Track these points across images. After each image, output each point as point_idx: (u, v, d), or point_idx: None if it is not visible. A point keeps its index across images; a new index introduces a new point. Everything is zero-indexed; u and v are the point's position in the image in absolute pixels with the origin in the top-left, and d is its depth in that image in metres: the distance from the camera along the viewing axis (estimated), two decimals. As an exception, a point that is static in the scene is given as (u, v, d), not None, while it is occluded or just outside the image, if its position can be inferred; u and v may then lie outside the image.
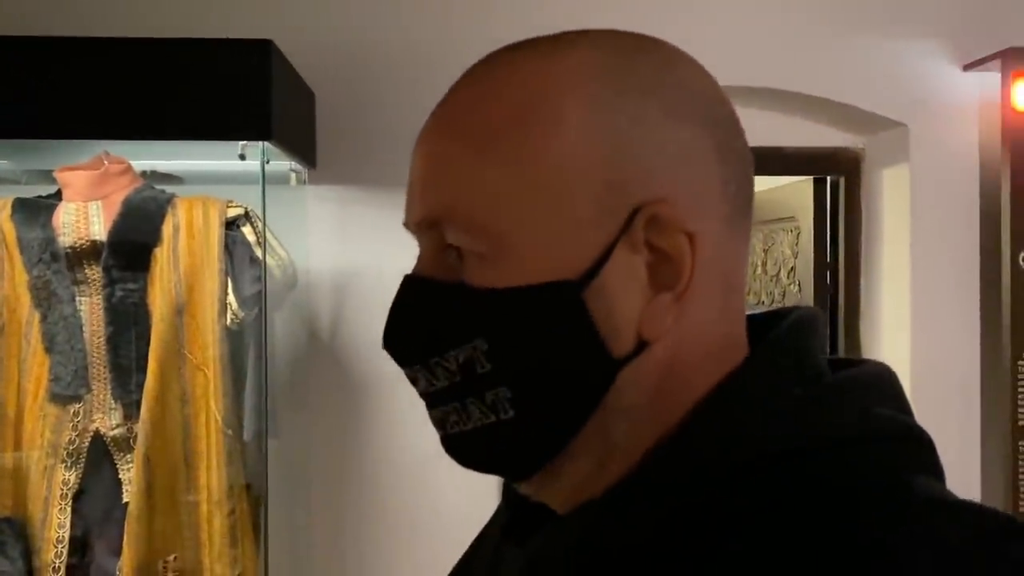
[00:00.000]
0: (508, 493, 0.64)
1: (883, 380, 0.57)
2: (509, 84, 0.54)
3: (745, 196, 0.56)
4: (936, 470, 0.54)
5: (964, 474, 2.56)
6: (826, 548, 0.46)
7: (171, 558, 2.11)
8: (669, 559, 0.50)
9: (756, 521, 0.48)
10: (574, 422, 0.53)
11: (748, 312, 0.59)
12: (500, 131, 0.52)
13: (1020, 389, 2.41)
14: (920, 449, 0.54)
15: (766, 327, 0.57)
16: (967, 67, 2.53)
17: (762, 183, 3.19)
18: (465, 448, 0.56)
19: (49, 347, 2.10)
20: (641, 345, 0.52)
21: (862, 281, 2.81)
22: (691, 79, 0.56)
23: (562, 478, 0.55)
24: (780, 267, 3.13)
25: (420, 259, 0.57)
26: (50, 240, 2.10)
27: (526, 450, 0.55)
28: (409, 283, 0.57)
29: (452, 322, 0.54)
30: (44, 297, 2.10)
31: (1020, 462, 2.41)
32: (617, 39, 0.56)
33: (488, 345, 0.53)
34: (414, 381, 0.57)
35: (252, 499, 2.21)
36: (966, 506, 0.49)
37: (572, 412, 0.53)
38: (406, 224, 0.58)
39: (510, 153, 0.52)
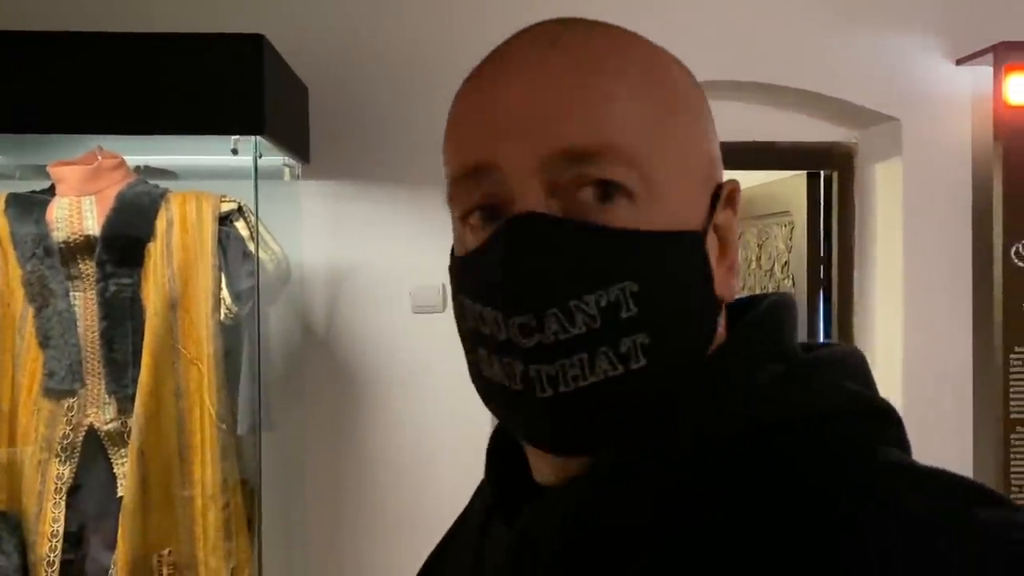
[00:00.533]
0: (493, 470, 0.64)
1: (852, 359, 0.59)
2: (637, 44, 0.57)
3: None
4: (904, 443, 0.56)
5: (957, 466, 2.54)
6: (800, 522, 0.48)
7: (166, 552, 2.11)
8: (655, 531, 0.51)
9: (736, 495, 0.50)
10: (689, 373, 0.54)
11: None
12: (649, 77, 0.55)
13: (1012, 382, 2.42)
14: (889, 424, 0.56)
15: (742, 312, 0.59)
16: (959, 61, 2.54)
17: (756, 178, 3.19)
18: (581, 406, 0.52)
19: (43, 342, 2.11)
20: (719, 305, 0.57)
21: (855, 275, 2.81)
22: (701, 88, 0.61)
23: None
24: (774, 261, 3.13)
25: (526, 198, 0.52)
26: (44, 235, 2.10)
27: (646, 404, 0.53)
28: (540, 221, 0.52)
29: (601, 262, 0.51)
30: (38, 292, 2.10)
31: (1012, 454, 2.42)
32: None
33: (639, 287, 0.51)
34: (532, 331, 0.51)
35: (247, 493, 2.22)
36: (935, 474, 0.51)
37: (693, 362, 0.54)
38: (488, 163, 0.53)
39: (662, 100, 0.55)
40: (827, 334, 2.89)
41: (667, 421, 0.53)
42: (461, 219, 0.57)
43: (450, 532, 0.71)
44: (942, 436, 2.57)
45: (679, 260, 0.54)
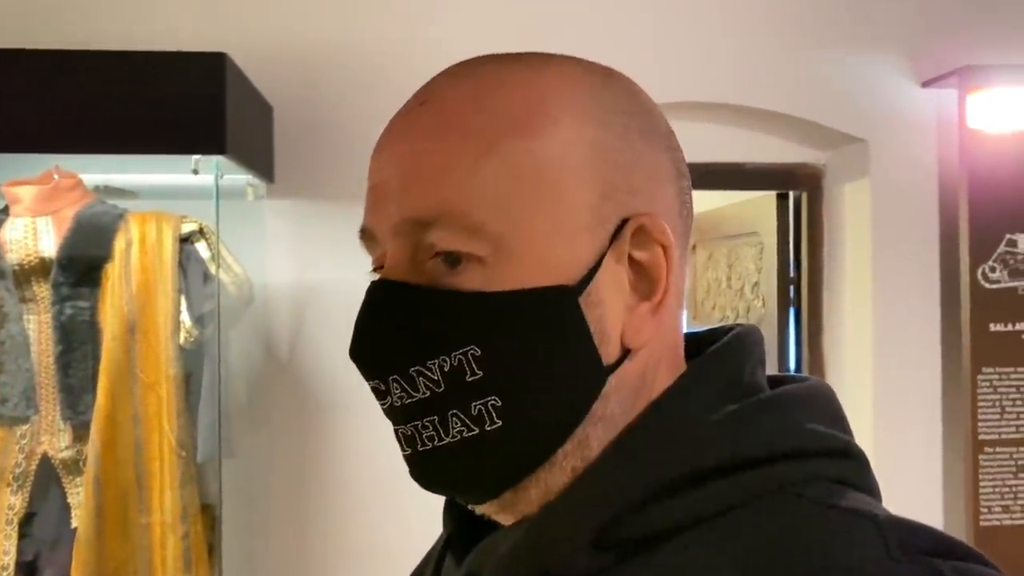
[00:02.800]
0: (451, 510, 0.62)
1: (819, 396, 0.57)
2: (504, 87, 0.53)
3: (688, 219, 0.59)
4: (869, 487, 0.54)
5: (926, 487, 2.57)
6: (743, 570, 0.46)
7: (123, 583, 2.05)
8: (592, 574, 0.50)
9: (679, 544, 0.49)
10: (562, 431, 0.52)
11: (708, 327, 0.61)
12: (500, 132, 0.51)
13: (980, 402, 2.43)
14: (853, 465, 0.54)
15: (706, 343, 0.58)
16: (925, 84, 2.56)
17: (725, 198, 3.20)
18: (438, 465, 0.53)
19: (-5, 367, 2.04)
20: (624, 354, 0.53)
21: (824, 295, 2.82)
22: (653, 106, 0.58)
23: (528, 493, 0.53)
24: (744, 282, 3.13)
25: (392, 264, 0.53)
26: (-4, 256, 2.04)
27: (507, 463, 0.52)
28: (386, 288, 0.53)
29: (442, 328, 0.51)
30: (-10, 315, 2.04)
31: (981, 474, 2.42)
32: (588, 62, 0.57)
33: (481, 351, 0.50)
34: (383, 394, 0.53)
35: (207, 522, 2.16)
36: (898, 524, 0.49)
37: (563, 421, 0.52)
38: (367, 228, 0.55)
39: (510, 154, 0.51)
40: (797, 355, 2.88)
41: (610, 464, 0.52)
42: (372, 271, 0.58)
43: (418, 569, 0.69)
44: (911, 457, 2.57)
45: (533, 319, 0.51)
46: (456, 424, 0.51)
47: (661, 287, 0.54)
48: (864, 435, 2.60)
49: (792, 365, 2.89)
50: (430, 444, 0.52)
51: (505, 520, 0.56)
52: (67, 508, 2.08)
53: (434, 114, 0.53)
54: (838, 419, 0.56)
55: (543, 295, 0.51)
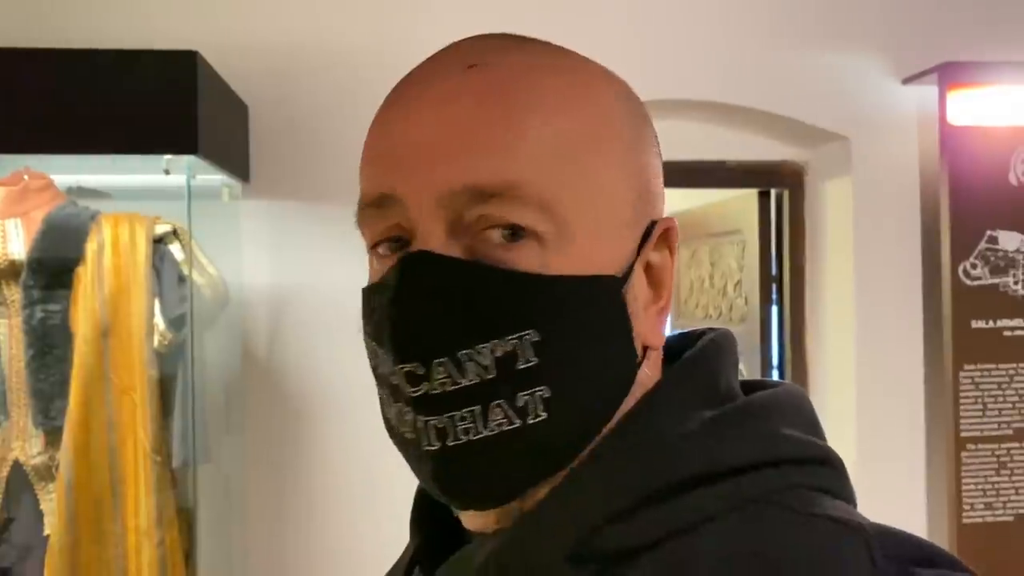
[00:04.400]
0: (418, 520, 0.60)
1: (794, 402, 0.55)
2: (559, 68, 0.52)
3: None
4: (846, 492, 0.53)
5: (909, 484, 2.57)
6: None
7: (97, 591, 2.01)
8: None
9: (658, 556, 0.47)
10: (597, 429, 0.50)
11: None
12: (567, 111, 0.50)
13: (962, 399, 2.42)
14: (830, 472, 0.53)
15: (680, 349, 0.56)
16: (906, 81, 2.55)
17: (707, 196, 3.19)
18: (467, 462, 0.48)
19: (-36, 372, 2.00)
20: (645, 352, 0.53)
21: (807, 293, 2.81)
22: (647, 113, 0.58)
23: (537, 494, 0.50)
24: (727, 280, 3.12)
25: (427, 235, 0.48)
26: (-35, 260, 2.00)
27: (540, 461, 0.49)
28: (433, 262, 0.48)
29: (500, 309, 0.47)
30: (-42, 319, 2.00)
31: (963, 472, 2.42)
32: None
33: (540, 337, 0.47)
34: (419, 380, 0.48)
35: (183, 528, 2.12)
36: (877, 531, 0.48)
37: (598, 418, 0.50)
38: (391, 194, 0.49)
39: (577, 137, 0.50)
40: (780, 353, 2.88)
41: (587, 474, 0.50)
42: (370, 248, 0.54)
43: None
44: (894, 455, 2.57)
45: (589, 308, 0.50)
46: (497, 416, 0.48)
47: (665, 291, 0.54)
48: (846, 433, 2.59)
49: (775, 363, 2.89)
50: (464, 438, 0.48)
51: (483, 525, 0.53)
52: (40, 515, 2.05)
53: (494, 80, 0.49)
54: (813, 425, 0.55)
55: (598, 283, 0.50)
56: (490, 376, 0.47)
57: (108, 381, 2.02)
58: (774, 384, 0.57)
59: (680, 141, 2.65)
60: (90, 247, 2.04)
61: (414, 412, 0.48)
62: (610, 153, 0.52)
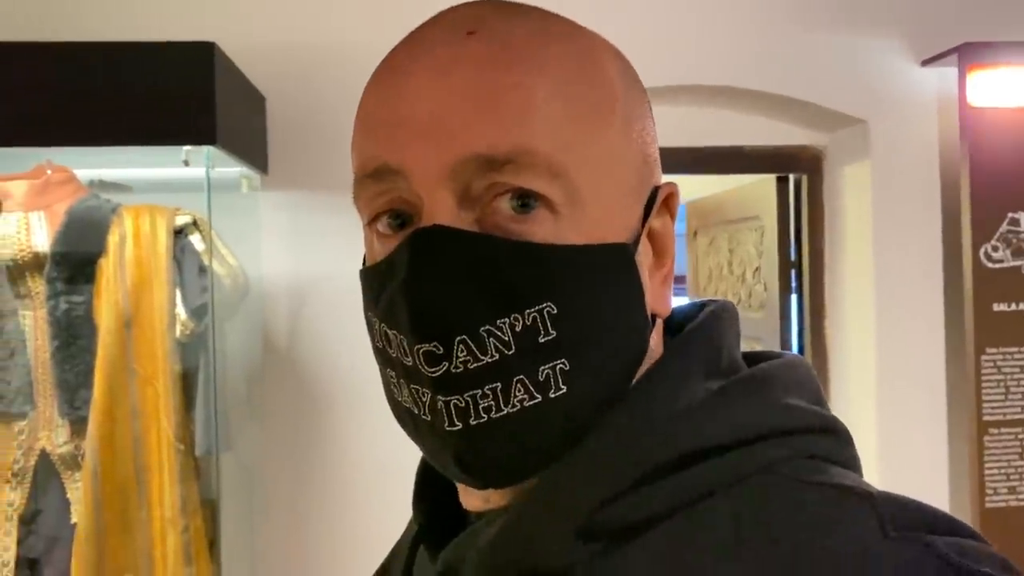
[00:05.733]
0: (421, 498, 0.60)
1: (797, 371, 0.54)
2: (561, 33, 0.51)
3: None
4: (852, 462, 0.53)
5: (931, 470, 2.55)
6: (735, 551, 0.45)
7: (125, 578, 2.04)
8: (573, 571, 0.47)
9: (666, 530, 0.47)
10: (617, 395, 0.50)
11: None
12: (573, 77, 0.49)
13: (984, 383, 2.40)
14: (835, 441, 0.52)
15: (682, 322, 0.56)
16: (925, 63, 2.53)
17: (724, 182, 3.17)
18: (488, 440, 0.47)
19: (-9, 364, 2.03)
20: (653, 320, 0.53)
21: (826, 279, 2.79)
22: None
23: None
24: (745, 266, 3.11)
25: (435, 208, 0.47)
26: (-10, 253, 2.03)
27: (560, 435, 0.48)
28: (447, 236, 0.46)
29: (518, 282, 0.46)
30: (-15, 312, 2.03)
31: (986, 456, 2.40)
32: None
33: (558, 309, 0.47)
34: (439, 359, 0.46)
35: (207, 516, 2.15)
36: (888, 499, 0.47)
37: (615, 389, 0.50)
38: (394, 165, 0.48)
39: (586, 103, 0.49)
40: (800, 339, 2.86)
41: (592, 448, 0.49)
42: (368, 224, 0.52)
43: (383, 565, 0.66)
44: (916, 439, 2.55)
45: (604, 277, 0.49)
46: (519, 392, 0.47)
47: (669, 258, 0.54)
48: (867, 418, 2.58)
49: (795, 349, 2.87)
50: (485, 416, 0.47)
51: (487, 502, 0.53)
52: (67, 504, 2.07)
53: (496, 46, 0.48)
54: (817, 394, 0.54)
55: (613, 251, 0.49)
56: (511, 352, 0.46)
57: (131, 371, 2.05)
58: (777, 355, 0.56)
59: (697, 127, 2.64)
60: (112, 239, 2.06)
61: (433, 392, 0.47)
62: (615, 119, 0.51)
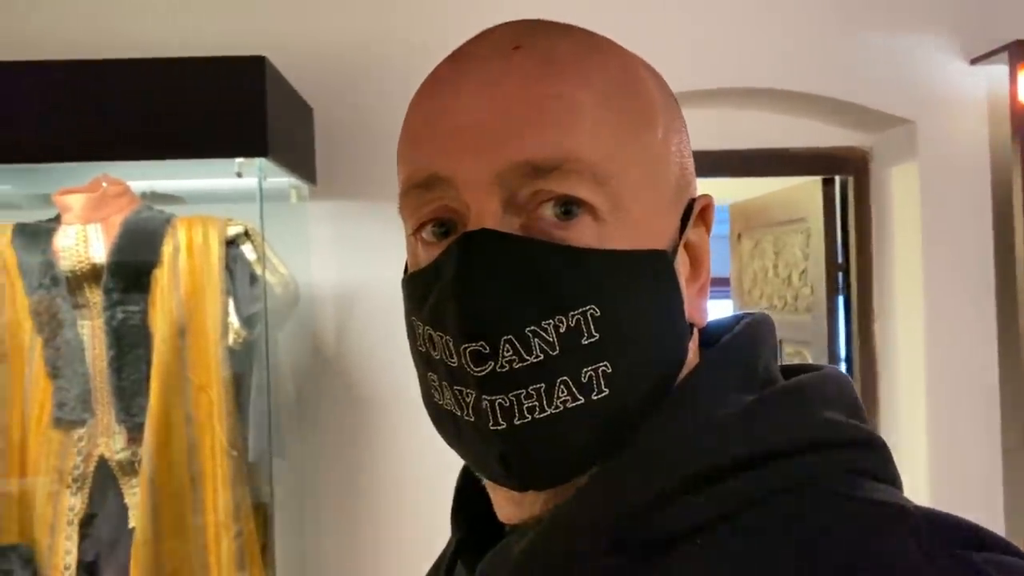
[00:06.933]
0: (460, 513, 0.61)
1: (834, 384, 0.54)
2: (603, 49, 0.53)
3: None
4: (890, 475, 0.52)
5: (984, 483, 2.50)
6: (771, 566, 0.44)
7: (179, 582, 2.08)
8: (615, 573, 0.48)
9: (700, 542, 0.47)
10: (657, 402, 0.50)
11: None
12: (618, 89, 0.51)
13: (1040, 388, 2.36)
14: (873, 454, 0.51)
15: (717, 334, 0.57)
16: (974, 61, 2.49)
17: (769, 185, 3.15)
18: (531, 440, 0.48)
19: (51, 372, 2.09)
20: (688, 330, 0.54)
21: (874, 282, 2.76)
22: None
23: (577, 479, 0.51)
24: (791, 269, 3.09)
25: (482, 214, 0.48)
26: (50, 264, 2.08)
27: (601, 438, 0.49)
28: (495, 239, 0.48)
29: (562, 285, 0.48)
30: (45, 322, 2.09)
31: (1042, 463, 2.35)
32: None
33: (601, 312, 0.48)
34: (484, 359, 0.47)
35: (259, 521, 2.19)
36: (926, 515, 0.47)
37: (656, 394, 0.51)
38: (443, 175, 0.49)
39: (630, 114, 0.51)
40: (847, 343, 2.83)
41: (626, 460, 0.49)
42: (413, 233, 0.53)
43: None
44: (968, 447, 2.51)
45: (645, 282, 0.50)
46: (562, 392, 0.48)
47: (704, 269, 0.55)
48: (917, 425, 2.54)
49: (842, 354, 2.84)
50: (529, 416, 0.48)
51: (525, 514, 0.53)
52: (125, 508, 2.12)
53: (541, 59, 0.50)
54: (854, 407, 0.54)
55: (654, 258, 0.50)
56: (554, 353, 0.47)
57: (186, 379, 2.09)
58: (816, 367, 0.56)
59: (742, 130, 2.63)
60: (166, 249, 2.11)
61: (478, 392, 0.48)
62: (654, 131, 0.53)
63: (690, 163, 0.56)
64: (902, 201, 2.64)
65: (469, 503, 0.60)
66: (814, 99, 2.55)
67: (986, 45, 2.46)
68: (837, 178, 2.81)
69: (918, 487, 2.52)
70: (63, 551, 2.08)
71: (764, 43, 2.51)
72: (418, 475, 2.42)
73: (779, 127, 2.66)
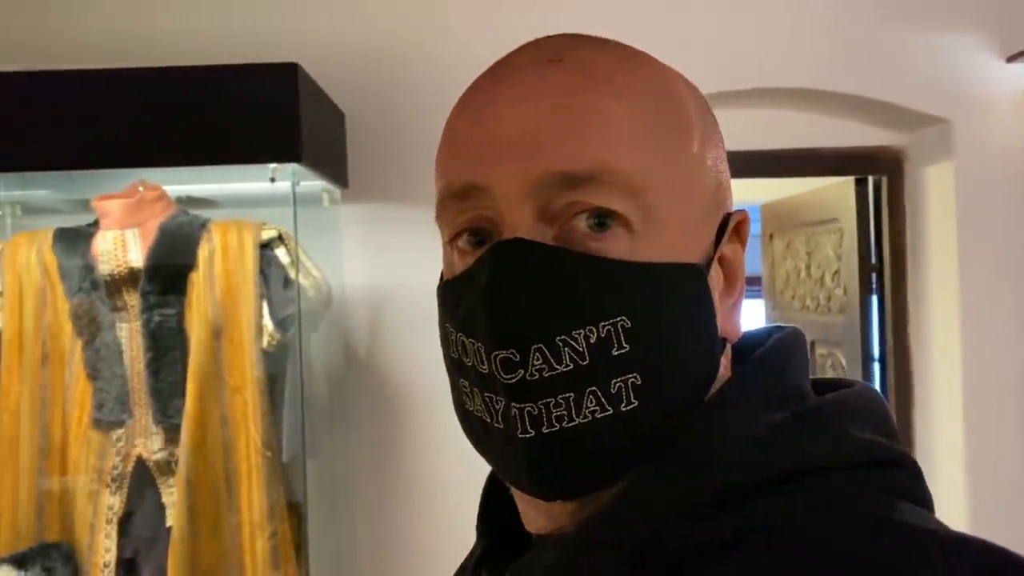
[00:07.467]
0: (483, 522, 0.61)
1: (866, 403, 0.54)
2: (642, 63, 0.53)
3: None
4: (922, 496, 0.51)
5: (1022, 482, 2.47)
6: None
7: (215, 581, 2.12)
8: None
9: (726, 556, 0.46)
10: (687, 414, 0.50)
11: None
12: (655, 103, 0.51)
13: (1079, 390, 2.32)
14: (903, 475, 0.51)
15: (748, 348, 0.56)
16: (1010, 59, 2.46)
17: (801, 185, 3.13)
18: (559, 449, 0.48)
19: (91, 374, 2.13)
20: (720, 345, 0.53)
21: (909, 283, 2.73)
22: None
23: (618, 486, 0.51)
24: (824, 270, 3.06)
25: (516, 223, 0.49)
26: (89, 268, 2.12)
27: (629, 450, 0.49)
28: (528, 249, 0.48)
29: (594, 295, 0.48)
30: (85, 324, 2.13)
31: (1082, 465, 2.31)
32: None
33: (632, 323, 0.48)
34: (515, 367, 0.48)
35: (293, 521, 2.21)
36: (958, 540, 0.46)
37: (687, 407, 0.50)
38: (478, 183, 0.50)
39: (666, 128, 0.51)
40: (881, 345, 2.80)
41: (654, 476, 0.49)
42: (449, 241, 0.54)
43: None
44: (1006, 449, 2.47)
45: (678, 295, 0.50)
46: (591, 403, 0.48)
47: (739, 284, 0.55)
48: (953, 430, 2.51)
49: (876, 355, 2.81)
50: (557, 425, 0.48)
51: (553, 524, 0.53)
52: (162, 508, 2.16)
53: (578, 72, 0.50)
54: (886, 426, 0.53)
55: (685, 271, 0.50)
56: (584, 363, 0.48)
57: (221, 380, 2.12)
58: (847, 384, 0.56)
59: (773, 130, 2.61)
60: (202, 254, 2.14)
61: (507, 400, 0.48)
62: (690, 145, 0.53)
63: (726, 178, 0.56)
64: (937, 201, 2.61)
65: (495, 510, 0.60)
66: (847, 98, 2.53)
67: (1022, 43, 2.42)
68: (871, 178, 2.78)
69: (955, 489, 2.49)
70: (103, 549, 2.13)
71: (797, 43, 2.49)
72: (449, 476, 2.44)
73: (812, 127, 2.64)
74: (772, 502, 0.47)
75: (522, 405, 0.48)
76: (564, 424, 0.48)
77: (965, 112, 2.50)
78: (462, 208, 0.51)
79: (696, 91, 0.56)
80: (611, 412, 0.48)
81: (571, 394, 0.48)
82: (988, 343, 2.50)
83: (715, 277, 0.53)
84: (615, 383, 0.48)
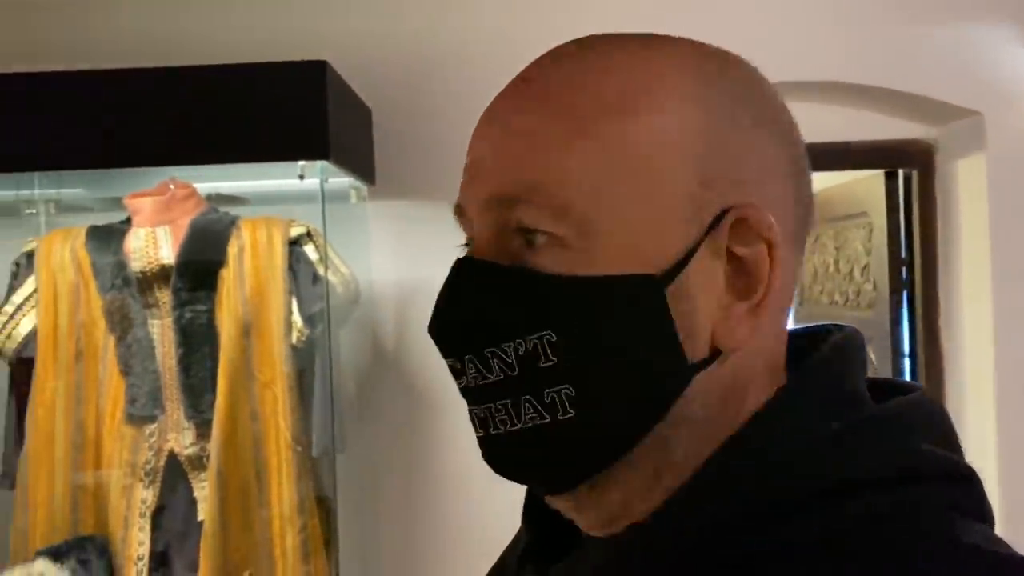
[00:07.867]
0: (529, 515, 0.61)
1: (927, 412, 0.52)
2: (607, 69, 0.51)
3: (806, 217, 0.56)
4: (986, 513, 0.50)
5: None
6: None
7: (246, 574, 2.14)
8: None
9: (777, 567, 0.46)
10: (638, 428, 0.50)
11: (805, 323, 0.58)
12: (599, 113, 0.50)
13: (1115, 385, 2.28)
14: (967, 490, 0.50)
15: (804, 349, 0.55)
16: (1044, 50, 2.43)
17: (831, 179, 3.10)
18: (508, 451, 0.53)
19: (124, 370, 2.16)
20: (714, 354, 0.50)
21: (940, 277, 2.70)
22: (774, 95, 0.56)
23: (609, 493, 0.52)
24: (853, 265, 3.04)
25: (478, 241, 0.53)
26: (122, 265, 2.15)
27: (579, 456, 0.51)
28: (467, 265, 0.53)
29: (518, 309, 0.50)
30: (118, 321, 2.16)
31: (1118, 462, 2.28)
32: (705, 45, 0.55)
33: (557, 337, 0.49)
34: (459, 373, 0.53)
35: (323, 515, 2.23)
36: (1014, 560, 0.45)
37: (638, 417, 0.50)
38: (460, 205, 0.55)
39: (608, 136, 0.49)
40: (911, 340, 2.78)
41: (706, 483, 0.49)
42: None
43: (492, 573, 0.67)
44: (1040, 444, 2.44)
45: (614, 307, 0.49)
46: (529, 410, 0.50)
47: (762, 287, 0.50)
48: (986, 426, 2.48)
49: (906, 351, 2.79)
50: (502, 428, 0.52)
51: (585, 522, 0.54)
52: (193, 502, 2.18)
53: (532, 94, 0.52)
54: (949, 437, 0.52)
55: (626, 283, 0.49)
56: (514, 373, 0.50)
57: (251, 376, 2.15)
58: (904, 386, 0.54)
59: (803, 124, 2.54)
60: (231, 250, 2.16)
61: (466, 401, 0.54)
62: (654, 148, 0.50)
63: (744, 167, 0.51)
64: (968, 194, 2.58)
65: (539, 501, 0.60)
66: (877, 91, 2.51)
67: (1057, 33, 2.39)
68: (901, 171, 2.75)
69: (988, 487, 2.45)
70: (136, 542, 2.16)
71: (827, 36, 2.47)
72: (476, 470, 2.42)
73: (841, 120, 2.62)
74: (826, 514, 0.46)
75: (472, 407, 0.53)
76: (507, 427, 0.52)
77: (996, 104, 2.47)
78: (461, 225, 0.56)
79: (706, 80, 0.52)
80: (549, 420, 0.50)
81: (508, 401, 0.51)
82: (1021, 339, 2.46)
83: (705, 282, 0.50)
84: (548, 393, 0.50)
